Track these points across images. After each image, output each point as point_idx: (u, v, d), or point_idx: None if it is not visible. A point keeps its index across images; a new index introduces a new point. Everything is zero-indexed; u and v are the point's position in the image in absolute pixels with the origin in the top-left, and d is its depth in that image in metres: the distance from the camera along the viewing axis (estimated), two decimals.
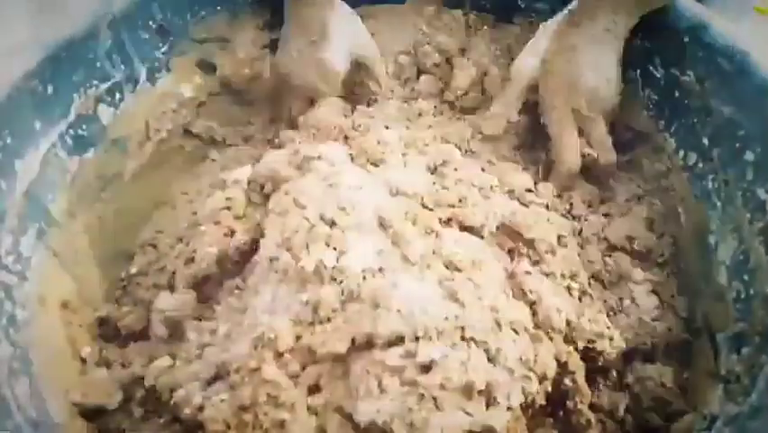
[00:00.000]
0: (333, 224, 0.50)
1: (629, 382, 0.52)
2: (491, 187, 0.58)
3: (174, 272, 0.55)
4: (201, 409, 0.45)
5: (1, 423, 0.42)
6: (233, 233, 0.55)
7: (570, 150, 0.60)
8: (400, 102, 0.70)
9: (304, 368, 0.45)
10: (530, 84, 0.63)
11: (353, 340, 0.44)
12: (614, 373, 0.53)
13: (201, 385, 0.46)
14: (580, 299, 0.55)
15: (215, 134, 0.71)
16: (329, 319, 0.45)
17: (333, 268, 0.46)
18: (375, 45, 0.69)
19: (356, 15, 0.69)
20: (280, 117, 0.70)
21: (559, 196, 0.63)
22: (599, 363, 0.52)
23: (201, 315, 0.52)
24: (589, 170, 0.63)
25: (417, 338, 0.44)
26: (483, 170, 0.61)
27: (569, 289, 0.54)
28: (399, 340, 0.44)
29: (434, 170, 0.59)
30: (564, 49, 0.60)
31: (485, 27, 0.74)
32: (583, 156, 0.61)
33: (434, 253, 0.49)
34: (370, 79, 0.70)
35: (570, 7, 0.61)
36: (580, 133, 0.61)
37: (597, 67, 0.59)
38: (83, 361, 0.54)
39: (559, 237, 0.57)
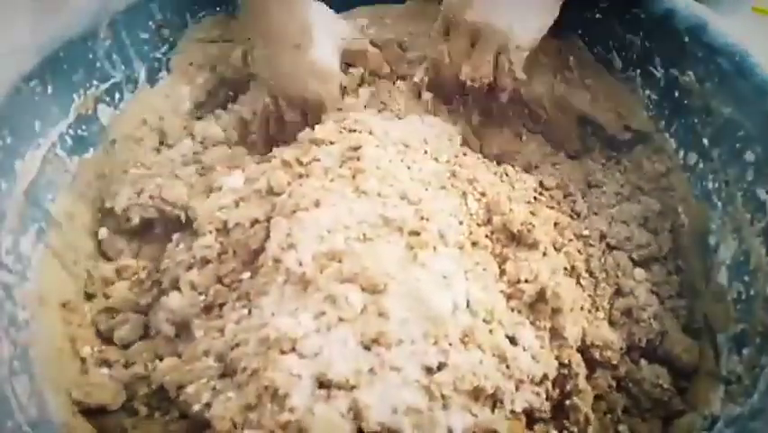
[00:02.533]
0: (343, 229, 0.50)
1: (627, 382, 0.52)
2: (500, 192, 0.58)
3: (177, 277, 0.55)
4: (209, 406, 0.45)
5: (2, 422, 0.42)
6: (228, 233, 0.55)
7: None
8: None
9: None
10: None
11: (363, 341, 0.44)
12: (613, 374, 0.53)
13: (209, 383, 0.46)
14: (581, 304, 0.55)
15: (215, 134, 0.71)
16: (340, 320, 0.45)
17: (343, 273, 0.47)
18: (352, 28, 0.67)
19: (325, 6, 0.65)
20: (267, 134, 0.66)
21: (565, 196, 0.63)
22: (599, 364, 0.52)
23: (208, 314, 0.52)
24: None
25: (431, 341, 0.45)
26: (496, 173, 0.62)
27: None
28: (411, 342, 0.44)
29: (444, 172, 0.59)
30: None
31: None
32: None
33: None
34: (368, 67, 0.68)
35: None
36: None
37: None
38: (83, 360, 0.54)
39: (561, 237, 0.58)
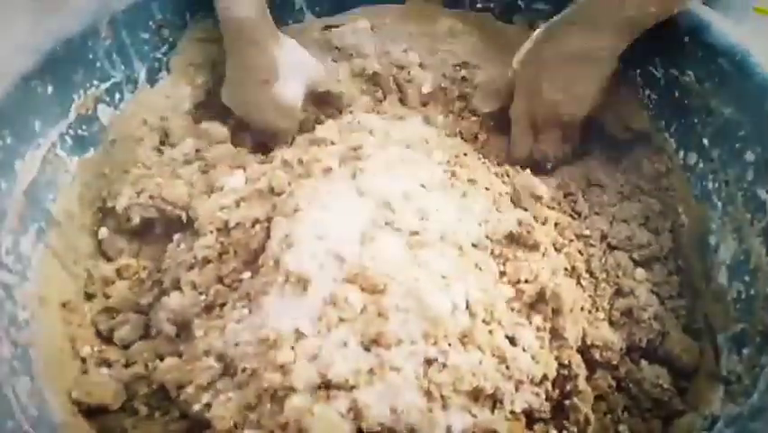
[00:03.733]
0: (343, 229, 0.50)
1: (627, 382, 0.52)
2: (500, 193, 0.58)
3: (178, 276, 0.55)
4: (209, 406, 0.45)
5: (2, 422, 0.42)
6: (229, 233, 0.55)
7: (519, 145, 0.66)
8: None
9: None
10: (511, 78, 0.66)
11: (362, 341, 0.44)
12: (613, 374, 0.53)
13: (209, 382, 0.46)
14: (582, 305, 0.55)
15: (217, 134, 0.71)
16: (340, 320, 0.45)
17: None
18: (324, 69, 0.70)
19: (299, 46, 0.68)
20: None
21: (566, 196, 0.63)
22: (599, 364, 0.52)
23: (208, 314, 0.52)
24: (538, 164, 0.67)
25: (431, 342, 0.45)
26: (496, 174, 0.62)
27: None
28: (411, 342, 0.44)
29: (444, 173, 0.59)
30: (533, 62, 0.63)
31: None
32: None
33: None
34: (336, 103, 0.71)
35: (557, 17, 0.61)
36: (536, 132, 0.66)
37: (563, 84, 0.61)
38: (83, 360, 0.54)
39: (562, 238, 0.58)
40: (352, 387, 0.43)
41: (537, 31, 0.64)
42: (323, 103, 0.70)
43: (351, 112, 0.67)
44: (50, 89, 0.55)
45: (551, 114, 0.63)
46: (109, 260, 0.61)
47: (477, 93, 0.70)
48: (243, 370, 0.45)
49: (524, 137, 0.65)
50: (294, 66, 0.66)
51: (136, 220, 0.60)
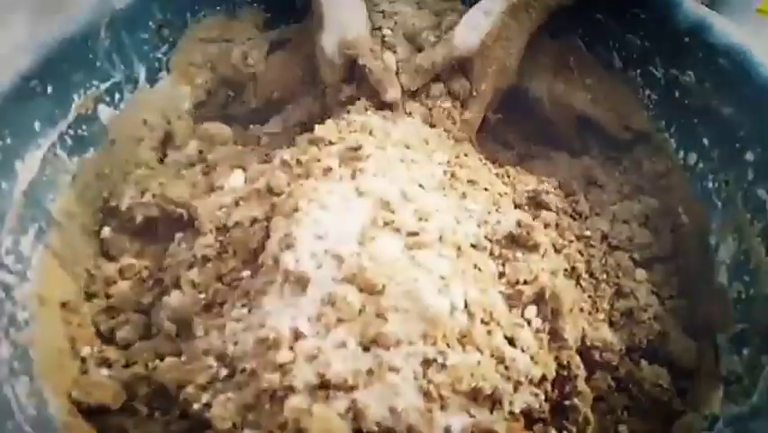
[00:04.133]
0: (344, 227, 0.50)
1: (627, 383, 0.52)
2: (500, 193, 0.58)
3: (179, 275, 0.55)
4: (209, 406, 0.45)
5: (1, 423, 0.42)
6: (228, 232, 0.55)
7: (479, 120, 0.68)
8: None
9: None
10: (462, 55, 0.66)
11: (362, 341, 0.44)
12: (613, 375, 0.53)
13: (209, 382, 0.46)
14: (582, 306, 0.55)
15: (215, 134, 0.71)
16: (339, 320, 0.45)
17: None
18: (366, 39, 0.67)
19: (362, 5, 0.68)
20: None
21: (567, 196, 0.63)
22: (598, 365, 0.52)
23: (208, 313, 0.52)
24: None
25: (429, 342, 0.45)
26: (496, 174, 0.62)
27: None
28: (409, 343, 0.44)
29: (444, 173, 0.59)
30: (503, 38, 0.65)
31: None
32: None
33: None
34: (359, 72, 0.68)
35: None
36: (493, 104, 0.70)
37: (518, 57, 0.67)
38: (83, 360, 0.54)
39: (562, 239, 0.58)
40: (351, 387, 0.43)
41: (496, 10, 0.65)
42: (350, 68, 0.68)
43: (348, 112, 0.66)
44: (49, 89, 0.55)
45: (508, 85, 0.68)
46: (112, 259, 0.61)
47: (402, 73, 0.68)
48: (243, 370, 0.45)
49: (484, 112, 0.68)
50: (338, 22, 0.67)
51: (139, 219, 0.61)
